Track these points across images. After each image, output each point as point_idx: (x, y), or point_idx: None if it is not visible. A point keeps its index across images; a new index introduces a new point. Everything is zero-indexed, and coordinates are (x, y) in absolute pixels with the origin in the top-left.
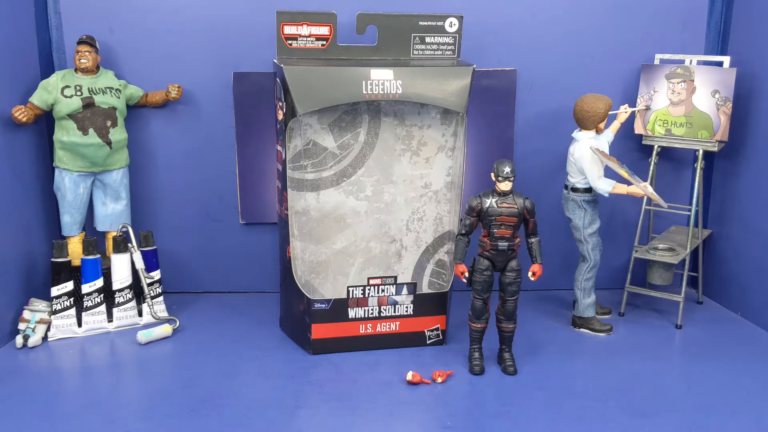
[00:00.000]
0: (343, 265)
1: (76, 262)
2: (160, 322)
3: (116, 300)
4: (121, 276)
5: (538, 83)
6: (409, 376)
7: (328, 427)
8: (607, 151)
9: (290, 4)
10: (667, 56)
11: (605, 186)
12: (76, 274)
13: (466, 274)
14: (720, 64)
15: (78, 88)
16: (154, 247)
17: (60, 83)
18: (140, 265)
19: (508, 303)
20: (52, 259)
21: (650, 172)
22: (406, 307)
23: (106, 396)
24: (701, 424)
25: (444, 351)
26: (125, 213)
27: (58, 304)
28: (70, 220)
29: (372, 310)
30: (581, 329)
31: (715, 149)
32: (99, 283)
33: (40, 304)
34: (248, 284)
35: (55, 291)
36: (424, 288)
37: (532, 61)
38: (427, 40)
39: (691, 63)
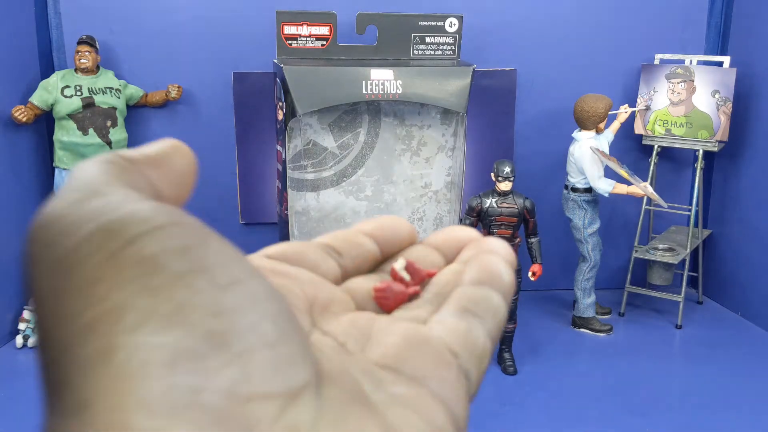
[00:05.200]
0: None
1: None
2: None
3: None
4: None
5: (538, 83)
6: None
7: None
8: (607, 151)
9: (290, 4)
10: (667, 56)
11: (605, 186)
12: None
13: None
14: (720, 64)
15: (78, 88)
16: None
17: (60, 83)
18: None
19: None
20: None
21: (650, 172)
22: None
23: None
24: (701, 424)
25: None
26: None
27: None
28: None
29: None
30: (581, 329)
31: (715, 149)
32: None
33: None
34: None
35: None
36: None
37: (532, 61)
38: (427, 40)
39: (691, 63)
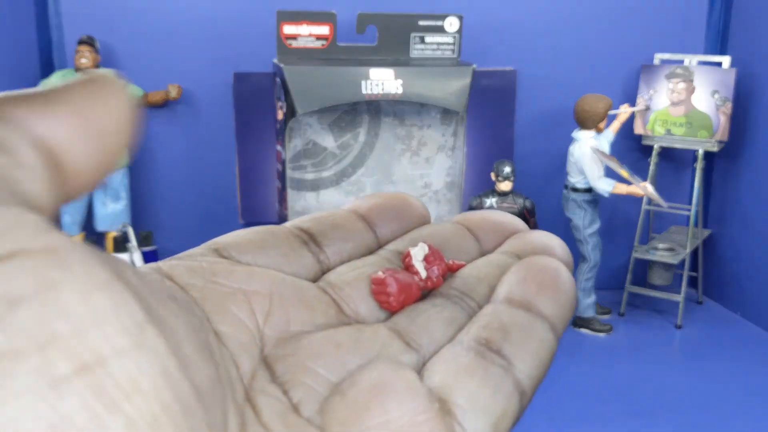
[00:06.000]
0: None
1: None
2: None
3: None
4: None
5: (538, 83)
6: None
7: None
8: (607, 150)
9: (290, 4)
10: (667, 56)
11: (605, 186)
12: None
13: None
14: (719, 64)
15: None
16: (154, 247)
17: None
18: (140, 265)
19: None
20: None
21: (650, 172)
22: None
23: None
24: (701, 424)
25: None
26: (125, 213)
27: None
28: (70, 220)
29: None
30: (581, 329)
31: (715, 149)
32: None
33: None
34: None
35: None
36: None
37: (532, 61)
38: (427, 39)
39: (690, 63)
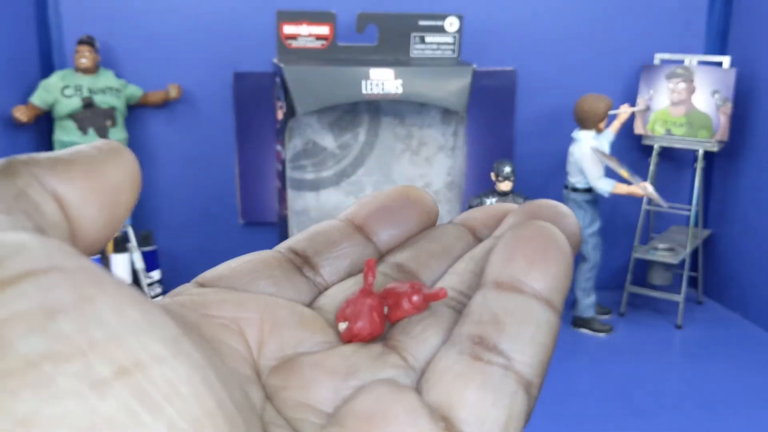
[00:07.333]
0: None
1: None
2: None
3: None
4: (120, 276)
5: (538, 83)
6: None
7: None
8: (608, 150)
9: (290, 4)
10: (667, 56)
11: (605, 186)
12: None
13: None
14: (720, 64)
15: (78, 88)
16: (154, 247)
17: (60, 83)
18: (140, 265)
19: None
20: None
21: (650, 172)
22: None
23: None
24: (701, 424)
25: None
26: None
27: None
28: None
29: None
30: (581, 329)
31: (715, 149)
32: None
33: None
34: None
35: None
36: None
37: (532, 61)
38: (427, 39)
39: (690, 63)
